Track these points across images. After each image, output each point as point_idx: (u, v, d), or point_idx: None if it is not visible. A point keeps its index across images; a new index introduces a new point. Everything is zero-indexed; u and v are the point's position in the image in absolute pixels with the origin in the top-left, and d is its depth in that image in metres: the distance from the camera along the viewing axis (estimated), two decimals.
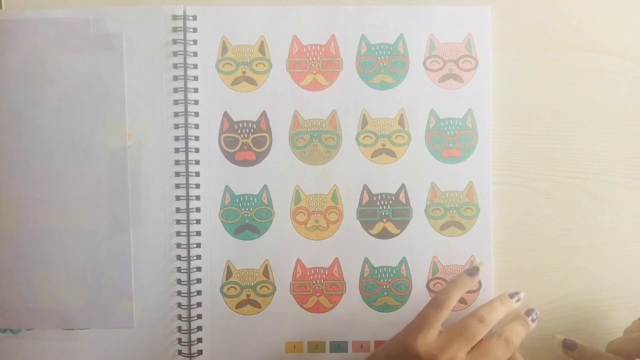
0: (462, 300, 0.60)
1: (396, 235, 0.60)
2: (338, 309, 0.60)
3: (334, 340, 0.60)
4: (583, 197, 0.61)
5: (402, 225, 0.60)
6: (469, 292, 0.60)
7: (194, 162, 0.60)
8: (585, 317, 0.61)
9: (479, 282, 0.60)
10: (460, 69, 0.60)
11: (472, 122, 0.60)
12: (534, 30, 0.61)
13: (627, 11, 0.61)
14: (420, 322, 0.54)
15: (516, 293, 0.58)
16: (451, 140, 0.60)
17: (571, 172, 0.61)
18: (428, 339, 0.52)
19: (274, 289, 0.60)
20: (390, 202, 0.60)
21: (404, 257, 0.60)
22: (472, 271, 0.58)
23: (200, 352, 0.60)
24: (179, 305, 0.60)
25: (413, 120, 0.60)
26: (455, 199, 0.60)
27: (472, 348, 0.53)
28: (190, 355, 0.59)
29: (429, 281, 0.60)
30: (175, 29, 0.59)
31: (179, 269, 0.60)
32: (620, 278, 0.61)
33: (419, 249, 0.60)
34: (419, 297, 0.60)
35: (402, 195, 0.60)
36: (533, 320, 0.56)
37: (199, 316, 0.60)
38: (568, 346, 0.57)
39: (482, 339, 0.54)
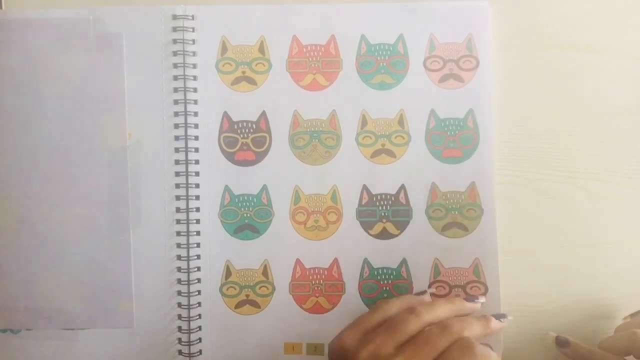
0: None
1: (396, 235, 0.60)
2: (337, 310, 0.60)
3: None
4: (583, 197, 0.61)
5: (402, 225, 0.60)
6: (474, 295, 0.60)
7: (193, 162, 0.60)
8: (586, 317, 0.61)
9: (485, 287, 0.59)
10: (461, 68, 0.60)
11: (474, 122, 0.60)
12: (534, 30, 0.61)
13: (627, 11, 0.61)
14: (354, 321, 0.54)
15: (474, 297, 0.57)
16: (452, 140, 0.60)
17: (571, 172, 0.61)
18: (356, 335, 0.52)
19: (273, 289, 0.60)
20: (390, 202, 0.60)
21: (404, 258, 0.60)
22: (420, 292, 0.58)
23: (200, 352, 0.60)
24: (179, 305, 0.60)
25: (413, 121, 0.60)
26: (457, 199, 0.60)
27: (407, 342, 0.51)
28: (190, 355, 0.59)
29: (430, 284, 0.60)
30: (175, 29, 0.59)
31: (178, 269, 0.60)
32: (620, 278, 0.61)
33: (419, 250, 0.60)
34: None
35: (401, 195, 0.60)
36: (501, 321, 0.55)
37: (199, 316, 0.60)
38: (561, 343, 0.58)
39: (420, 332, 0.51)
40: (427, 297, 0.58)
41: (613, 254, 0.61)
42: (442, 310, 0.54)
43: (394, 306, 0.54)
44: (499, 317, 0.56)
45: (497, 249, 0.60)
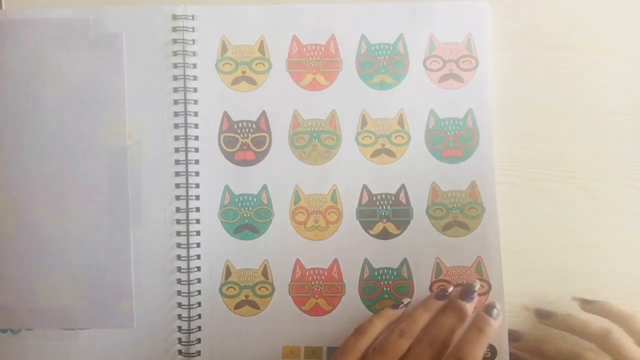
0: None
1: (397, 235, 0.60)
2: (337, 311, 0.60)
3: (332, 347, 0.60)
4: (583, 197, 0.61)
5: (402, 225, 0.60)
6: (478, 294, 0.59)
7: (193, 161, 0.60)
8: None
9: (489, 285, 0.59)
10: (461, 68, 0.60)
11: (473, 122, 0.60)
12: (534, 30, 0.61)
13: (627, 11, 0.61)
14: (341, 349, 0.54)
15: (443, 289, 0.58)
16: (451, 140, 0.60)
17: (571, 172, 0.61)
18: None
19: (273, 289, 0.60)
20: (390, 202, 0.60)
21: (405, 258, 0.60)
22: (396, 304, 0.58)
23: (199, 352, 0.59)
24: (179, 305, 0.60)
25: (413, 121, 0.60)
26: (458, 198, 0.60)
27: None
28: (190, 355, 0.59)
29: (432, 283, 0.60)
30: (175, 29, 0.60)
31: (179, 269, 0.60)
32: (620, 278, 0.61)
33: (420, 249, 0.60)
34: (421, 300, 0.59)
35: (402, 195, 0.60)
36: (496, 317, 0.55)
37: (199, 316, 0.60)
38: (542, 315, 0.59)
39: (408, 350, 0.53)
40: (401, 311, 0.58)
41: (613, 254, 0.61)
42: (422, 321, 0.55)
43: (377, 326, 0.56)
44: (490, 308, 0.55)
45: (500, 247, 0.60)
